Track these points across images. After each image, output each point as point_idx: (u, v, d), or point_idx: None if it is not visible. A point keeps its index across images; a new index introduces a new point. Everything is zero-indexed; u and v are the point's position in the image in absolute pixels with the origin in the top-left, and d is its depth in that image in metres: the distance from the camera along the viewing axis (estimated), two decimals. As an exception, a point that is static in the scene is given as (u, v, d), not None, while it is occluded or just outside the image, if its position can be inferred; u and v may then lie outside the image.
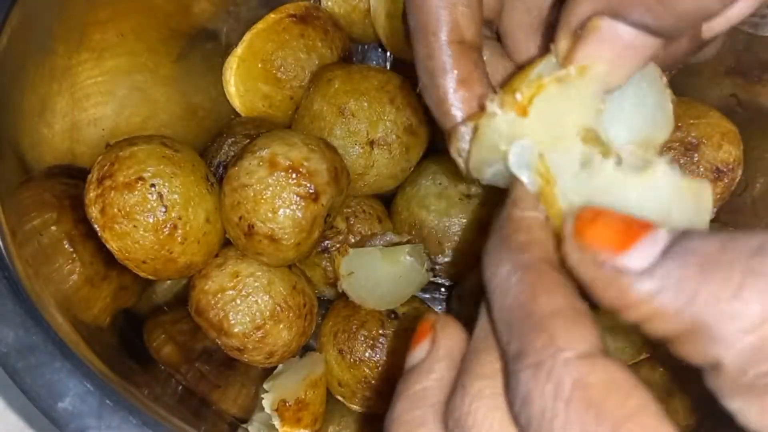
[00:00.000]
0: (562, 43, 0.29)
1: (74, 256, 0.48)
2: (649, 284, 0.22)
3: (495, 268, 0.26)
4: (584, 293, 0.25)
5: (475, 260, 0.29)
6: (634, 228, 0.23)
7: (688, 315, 0.21)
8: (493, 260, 0.26)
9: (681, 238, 0.22)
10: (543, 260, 0.25)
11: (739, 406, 0.22)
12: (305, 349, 0.55)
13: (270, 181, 0.47)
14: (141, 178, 0.46)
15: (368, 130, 0.53)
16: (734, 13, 0.30)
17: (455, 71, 0.31)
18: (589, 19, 0.28)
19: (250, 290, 0.50)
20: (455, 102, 0.31)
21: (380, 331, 0.53)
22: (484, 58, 0.33)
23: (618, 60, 0.28)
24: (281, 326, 0.51)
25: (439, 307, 0.60)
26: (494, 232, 0.28)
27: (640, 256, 0.22)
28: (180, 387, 0.49)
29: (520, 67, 0.33)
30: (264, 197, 0.47)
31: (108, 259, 0.48)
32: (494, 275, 0.26)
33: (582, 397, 0.21)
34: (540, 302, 0.24)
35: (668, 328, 0.22)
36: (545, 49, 0.31)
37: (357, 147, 0.54)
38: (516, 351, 0.23)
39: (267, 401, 0.50)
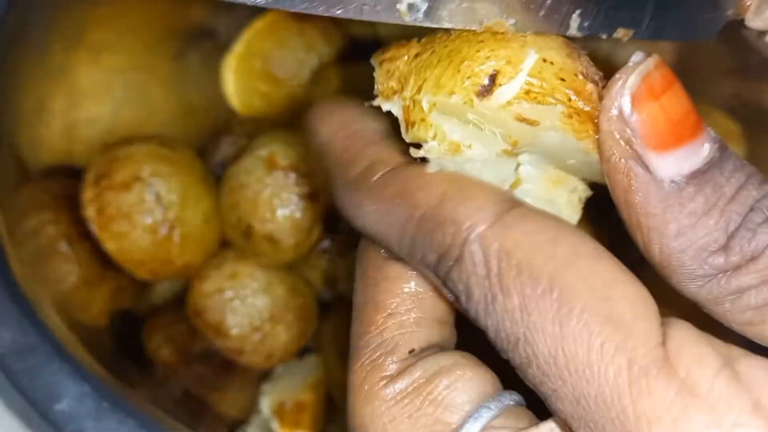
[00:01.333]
0: None
1: (71, 256, 0.47)
2: (654, 195, 0.20)
3: (360, 213, 0.23)
4: None
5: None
6: (686, 126, 0.20)
7: (669, 246, 0.20)
8: (353, 208, 0.23)
9: (716, 164, 0.20)
10: (395, 167, 0.23)
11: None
12: (304, 351, 0.55)
13: (268, 180, 0.47)
14: (138, 178, 0.46)
15: (368, 129, 0.53)
16: None
17: None
18: None
19: (249, 291, 0.50)
20: None
21: (380, 333, 0.52)
22: None
23: None
24: (280, 328, 0.50)
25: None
26: (331, 185, 0.24)
27: (670, 164, 0.20)
28: (178, 389, 0.49)
29: None
30: (262, 197, 0.47)
31: (106, 259, 0.48)
32: (365, 218, 0.23)
33: (510, 266, 0.20)
34: (423, 200, 0.22)
35: (644, 242, 0.21)
36: None
37: (356, 146, 0.53)
38: (436, 258, 0.21)
39: (266, 404, 0.50)
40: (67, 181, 0.48)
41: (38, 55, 0.47)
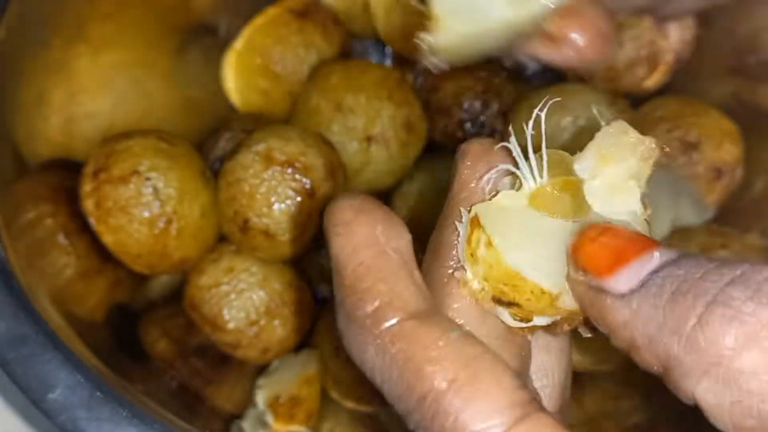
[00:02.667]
0: None
1: (69, 249, 0.48)
2: (625, 311, 0.21)
3: (361, 354, 0.22)
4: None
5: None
6: (629, 249, 0.21)
7: (659, 347, 0.20)
8: (354, 346, 0.23)
9: (670, 262, 0.21)
10: (407, 316, 0.22)
11: None
12: (300, 346, 0.55)
13: (265, 175, 0.47)
14: (136, 172, 0.46)
15: (366, 125, 0.53)
16: None
17: None
18: None
19: (245, 286, 0.50)
20: None
21: (376, 328, 0.52)
22: None
23: None
24: (276, 322, 0.51)
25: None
26: (337, 308, 0.24)
27: (624, 279, 0.21)
28: (174, 382, 0.49)
29: None
30: (259, 192, 0.47)
31: (103, 253, 0.48)
32: (365, 362, 0.22)
33: None
34: (432, 377, 0.21)
35: (647, 359, 0.21)
36: None
37: (354, 143, 0.53)
38: None
39: (261, 397, 0.50)
40: (65, 174, 0.49)
41: (38, 49, 0.47)
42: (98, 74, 0.51)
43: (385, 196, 0.59)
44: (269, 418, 0.49)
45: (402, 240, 0.24)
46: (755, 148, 0.53)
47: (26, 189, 0.46)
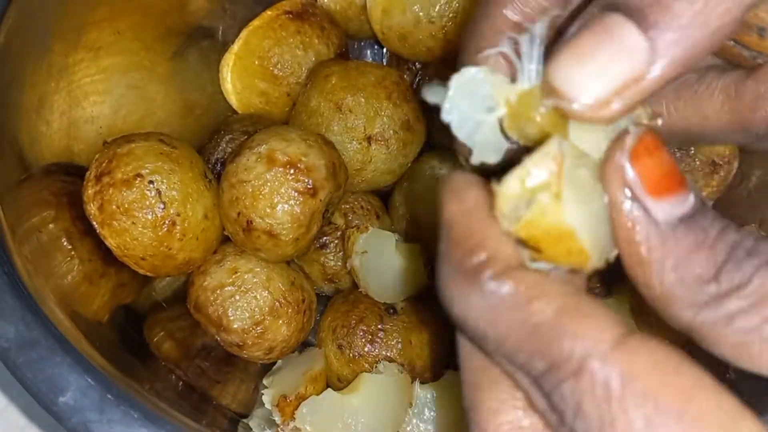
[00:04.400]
0: (572, 28, 0.25)
1: (73, 253, 0.48)
2: (656, 240, 0.23)
3: (464, 303, 0.24)
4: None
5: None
6: (674, 180, 0.23)
7: (667, 281, 0.23)
8: (457, 296, 0.24)
9: (700, 212, 0.23)
10: (511, 268, 0.24)
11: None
12: (304, 345, 0.55)
13: (268, 176, 0.47)
14: (139, 175, 0.46)
15: (365, 125, 0.54)
16: None
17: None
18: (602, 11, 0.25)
19: (249, 286, 0.50)
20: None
21: (379, 326, 0.53)
22: None
23: (612, 62, 0.24)
24: (280, 322, 0.51)
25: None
26: (441, 264, 0.25)
27: (665, 209, 0.23)
28: (180, 383, 0.49)
29: None
30: (262, 193, 0.47)
31: (107, 256, 0.48)
32: (468, 310, 0.24)
33: (635, 392, 0.21)
34: (540, 310, 0.23)
35: (650, 282, 0.23)
36: None
37: (354, 143, 0.54)
38: (544, 367, 0.22)
39: (267, 397, 0.50)
40: (67, 179, 0.49)
41: (39, 54, 0.47)
42: (98, 78, 0.51)
43: (385, 194, 0.60)
44: (276, 417, 0.49)
45: None
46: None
47: (30, 193, 0.46)
